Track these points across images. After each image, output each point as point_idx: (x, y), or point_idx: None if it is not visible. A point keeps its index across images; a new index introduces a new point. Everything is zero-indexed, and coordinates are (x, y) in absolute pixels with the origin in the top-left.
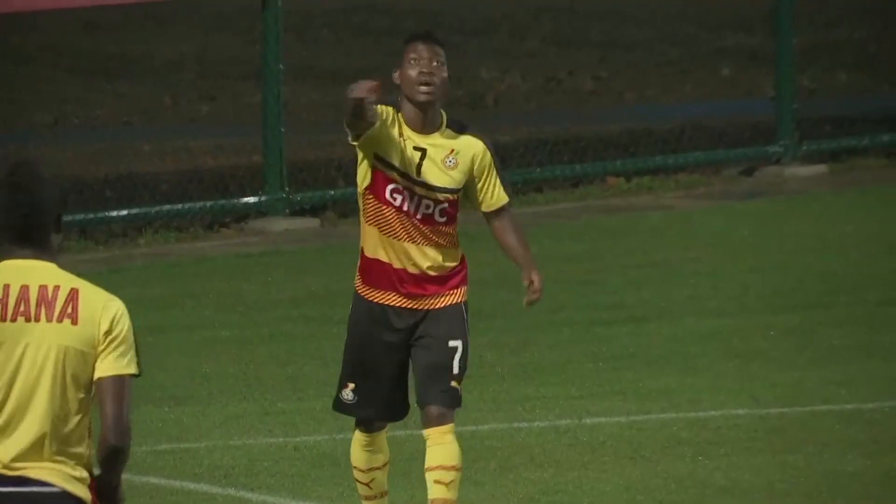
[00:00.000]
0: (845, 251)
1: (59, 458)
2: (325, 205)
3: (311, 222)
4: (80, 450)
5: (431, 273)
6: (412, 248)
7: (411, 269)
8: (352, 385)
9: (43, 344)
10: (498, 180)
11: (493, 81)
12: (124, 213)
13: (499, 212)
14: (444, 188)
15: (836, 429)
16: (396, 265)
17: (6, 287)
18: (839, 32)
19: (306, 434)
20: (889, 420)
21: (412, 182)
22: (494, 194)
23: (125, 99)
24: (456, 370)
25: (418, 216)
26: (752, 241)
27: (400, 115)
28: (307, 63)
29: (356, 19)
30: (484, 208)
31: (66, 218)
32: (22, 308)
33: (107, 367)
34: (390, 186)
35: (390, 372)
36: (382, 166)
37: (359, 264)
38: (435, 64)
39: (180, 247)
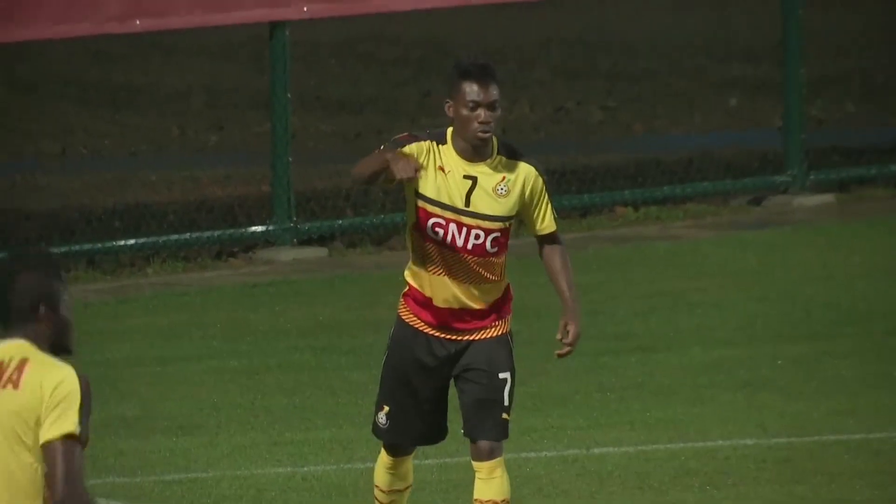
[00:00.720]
0: (853, 281)
1: None
2: (333, 234)
3: (319, 252)
4: None
5: (475, 307)
6: (456, 286)
7: (455, 306)
8: (386, 408)
9: None
10: (549, 206)
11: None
12: (132, 242)
13: (548, 238)
14: (496, 216)
15: (844, 459)
16: (439, 303)
17: None
18: (847, 63)
19: (314, 464)
20: None
21: (458, 213)
22: (545, 221)
23: (133, 129)
24: (506, 402)
25: (468, 247)
26: (760, 271)
27: (444, 146)
28: (315, 93)
29: (364, 49)
30: (535, 232)
31: (74, 248)
32: None
33: (49, 431)
34: (431, 221)
35: (427, 396)
36: (423, 202)
37: (404, 290)
38: (492, 108)
39: (188, 276)
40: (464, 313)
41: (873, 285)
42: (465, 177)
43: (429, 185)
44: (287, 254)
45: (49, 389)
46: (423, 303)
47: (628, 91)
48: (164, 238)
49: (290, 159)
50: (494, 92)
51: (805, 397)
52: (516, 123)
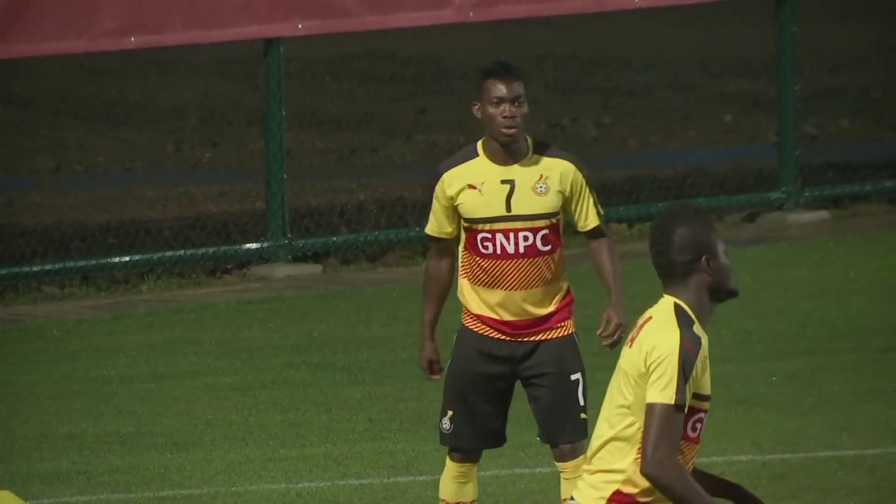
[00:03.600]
0: (847, 297)
1: None
2: (327, 251)
3: (313, 269)
4: None
5: (542, 312)
6: (520, 296)
7: (523, 317)
8: (450, 413)
9: None
10: (591, 201)
11: None
12: (127, 259)
13: (593, 233)
14: (540, 214)
15: (839, 475)
16: (508, 317)
17: None
18: (841, 79)
19: (309, 480)
20: (891, 466)
21: (503, 220)
22: (588, 215)
23: (127, 145)
24: (581, 402)
25: (521, 251)
26: (755, 288)
27: (475, 160)
28: (310, 109)
29: (358, 66)
30: (579, 228)
31: (69, 264)
32: None
33: (648, 392)
34: (479, 237)
35: (491, 398)
36: (466, 223)
37: (463, 312)
38: (516, 103)
39: (182, 293)
40: (522, 321)
41: (868, 301)
42: (503, 181)
43: (465, 207)
44: (281, 270)
45: (647, 350)
46: (487, 320)
47: (623, 107)
48: (158, 255)
49: (285, 176)
50: (518, 88)
51: (800, 413)
52: None
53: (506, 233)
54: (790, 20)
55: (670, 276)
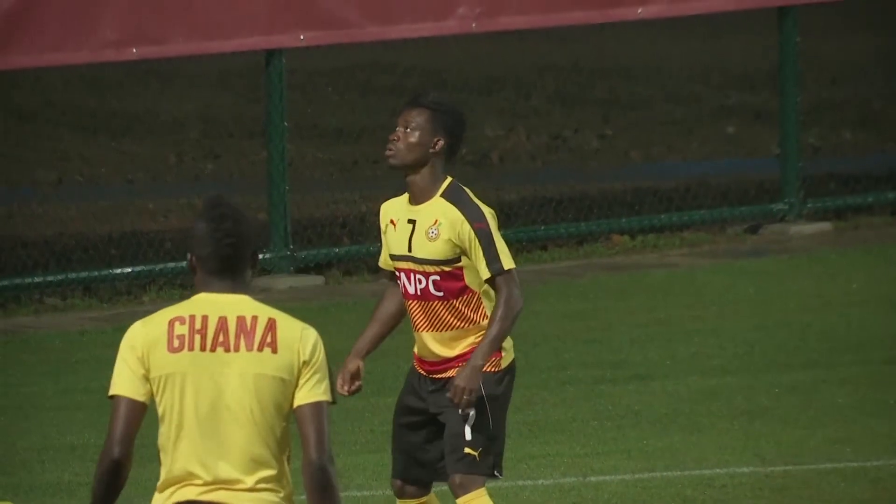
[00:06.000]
0: (850, 309)
1: (261, 486)
2: (329, 262)
3: (315, 280)
4: (282, 482)
5: (442, 353)
6: (422, 335)
7: (428, 357)
8: (392, 447)
9: (245, 373)
10: (482, 254)
11: (497, 139)
12: (129, 270)
13: (490, 283)
14: (429, 260)
15: (841, 487)
16: (423, 355)
17: (204, 318)
18: (844, 90)
19: None
20: (893, 478)
21: (404, 259)
22: (480, 268)
23: (129, 156)
24: (468, 437)
25: (417, 292)
26: (757, 300)
27: (405, 195)
28: (311, 121)
29: (360, 77)
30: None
31: (71, 275)
32: (221, 338)
33: (305, 394)
34: (398, 273)
35: (410, 429)
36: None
37: None
38: (402, 129)
39: None
40: (436, 361)
41: (870, 313)
42: (409, 221)
43: (387, 241)
44: (284, 282)
45: (306, 352)
46: (414, 354)
47: (625, 119)
48: (160, 266)
49: (287, 187)
50: (411, 115)
51: (802, 425)
52: (513, 152)
53: (406, 273)
54: (792, 32)
55: (242, 266)
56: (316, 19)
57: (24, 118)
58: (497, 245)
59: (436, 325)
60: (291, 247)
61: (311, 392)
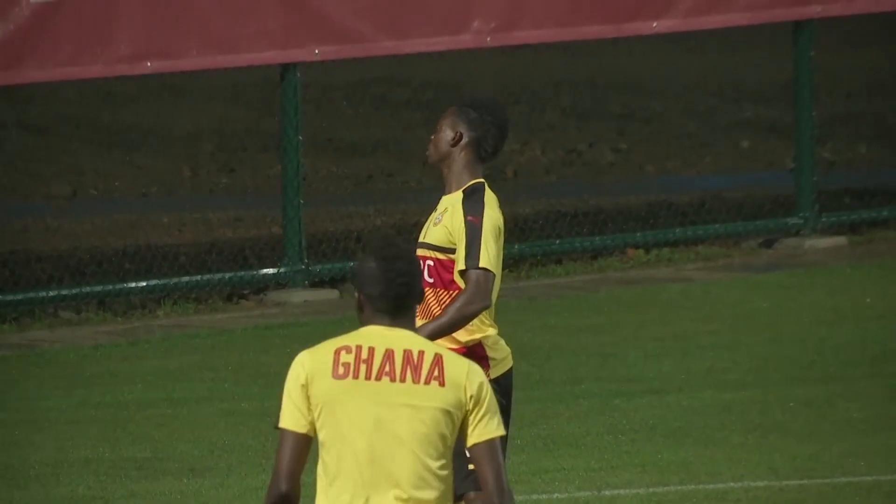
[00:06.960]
0: (864, 324)
1: None
2: (344, 276)
3: (330, 294)
4: None
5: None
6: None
7: None
8: None
9: (411, 404)
10: (463, 245)
11: (512, 153)
12: (143, 284)
13: (462, 277)
14: (427, 244)
15: (855, 501)
16: None
17: (371, 349)
18: (859, 105)
19: None
20: None
21: (419, 246)
22: (458, 259)
23: (144, 170)
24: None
25: (426, 280)
26: (772, 314)
27: None
28: (326, 135)
29: (375, 91)
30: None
31: (85, 289)
32: (387, 368)
33: (479, 433)
34: None
35: None
36: None
37: None
38: (437, 129)
39: (199, 318)
40: None
41: (885, 327)
42: (436, 209)
43: None
44: (298, 296)
45: (473, 388)
46: None
47: (640, 133)
48: (175, 280)
49: (302, 201)
50: (443, 115)
51: (816, 439)
52: (528, 166)
53: (421, 259)
54: (807, 46)
55: (413, 304)
56: (331, 33)
57: (39, 132)
58: (482, 244)
59: (425, 313)
60: (306, 261)
61: (484, 430)
